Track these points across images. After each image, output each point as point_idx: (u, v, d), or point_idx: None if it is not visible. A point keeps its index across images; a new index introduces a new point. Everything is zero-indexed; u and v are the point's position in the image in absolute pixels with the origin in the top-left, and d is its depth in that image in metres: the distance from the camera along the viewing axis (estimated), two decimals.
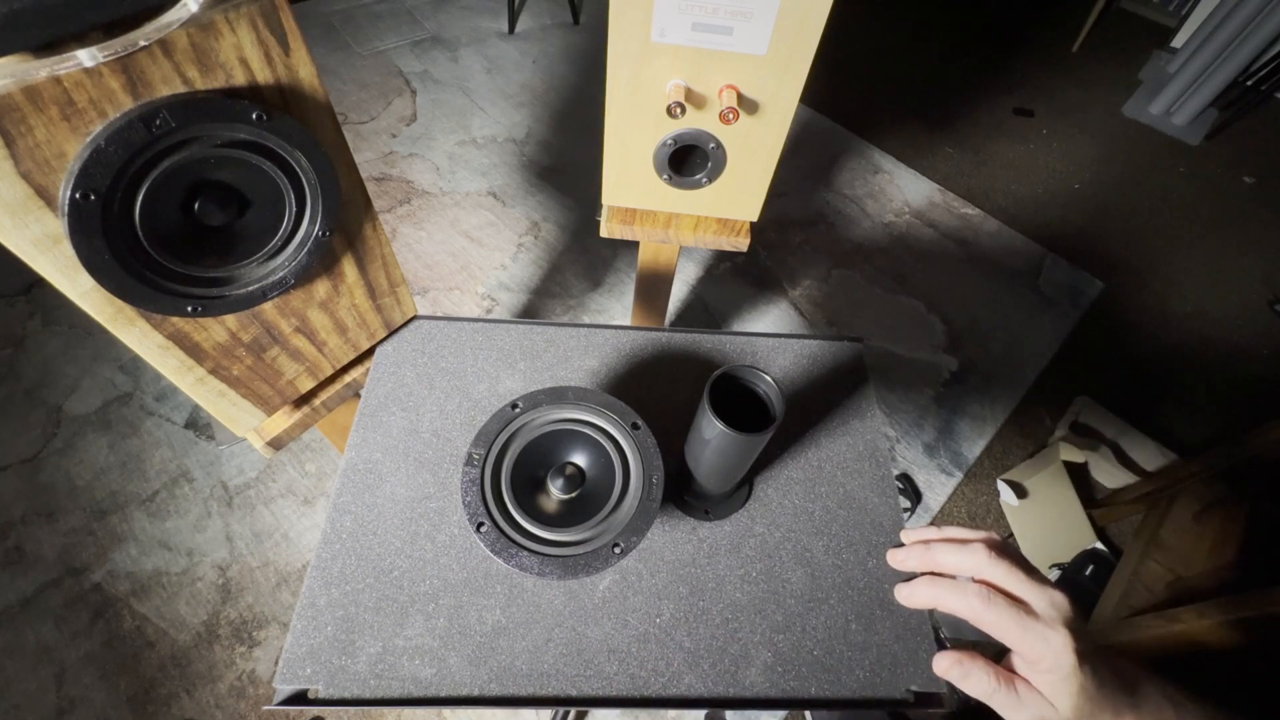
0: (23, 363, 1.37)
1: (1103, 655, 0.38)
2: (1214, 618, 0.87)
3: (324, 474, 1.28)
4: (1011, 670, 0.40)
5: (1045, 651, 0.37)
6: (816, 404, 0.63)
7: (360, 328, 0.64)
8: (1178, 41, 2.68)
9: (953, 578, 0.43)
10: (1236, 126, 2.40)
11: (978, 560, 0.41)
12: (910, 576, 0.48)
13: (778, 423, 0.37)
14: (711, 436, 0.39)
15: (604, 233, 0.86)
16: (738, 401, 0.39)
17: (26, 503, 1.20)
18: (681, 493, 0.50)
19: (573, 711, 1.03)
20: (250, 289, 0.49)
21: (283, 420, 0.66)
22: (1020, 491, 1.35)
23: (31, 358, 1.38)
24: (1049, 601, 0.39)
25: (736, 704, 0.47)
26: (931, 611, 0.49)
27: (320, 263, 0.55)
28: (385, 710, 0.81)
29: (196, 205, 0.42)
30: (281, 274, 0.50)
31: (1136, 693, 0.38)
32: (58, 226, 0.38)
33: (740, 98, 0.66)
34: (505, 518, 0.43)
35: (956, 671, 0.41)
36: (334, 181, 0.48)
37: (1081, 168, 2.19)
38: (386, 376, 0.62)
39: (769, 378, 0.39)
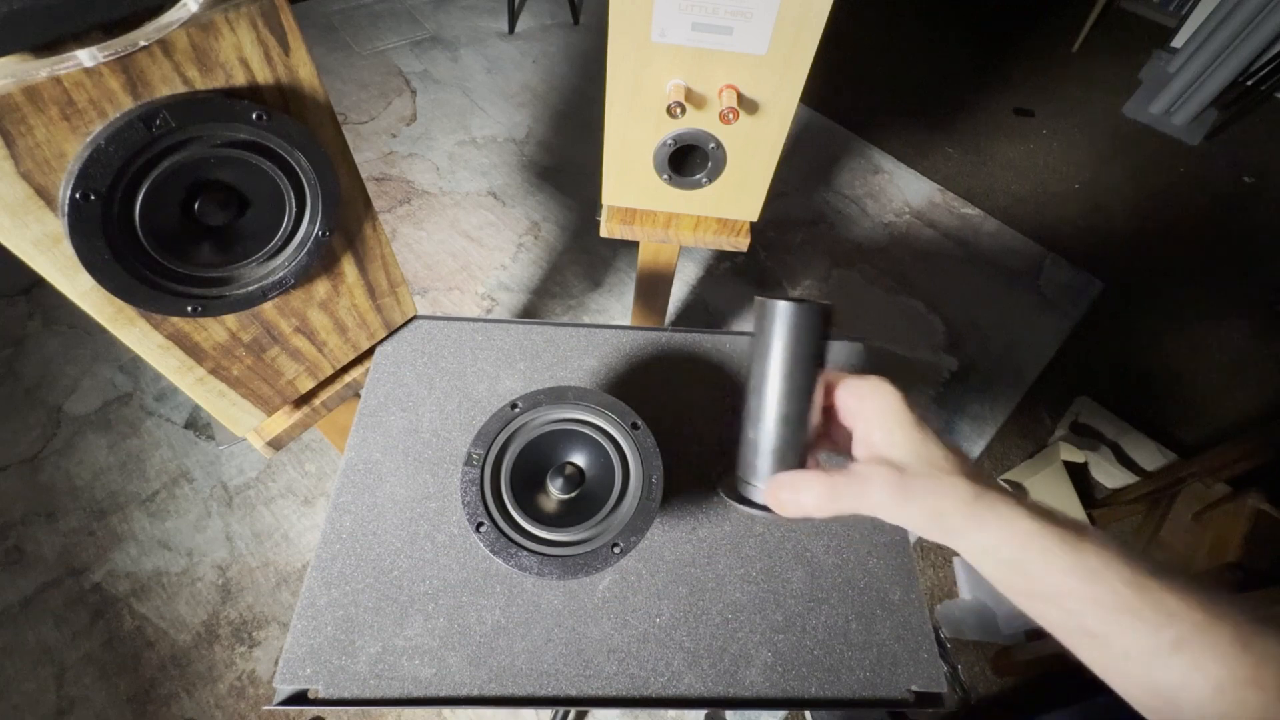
0: (23, 363, 1.37)
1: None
2: None
3: (324, 474, 1.28)
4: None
5: (865, 387, 0.34)
6: None
7: (360, 328, 0.64)
8: (1178, 41, 2.68)
9: None
10: (1236, 126, 2.40)
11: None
12: None
13: (832, 306, 0.34)
14: (774, 347, 0.34)
15: (604, 233, 0.86)
16: None
17: (26, 503, 1.19)
18: (740, 477, 0.39)
19: (573, 711, 1.03)
20: (250, 289, 0.49)
21: (283, 420, 0.66)
22: (1020, 492, 1.35)
23: (31, 358, 1.38)
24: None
25: (736, 704, 0.47)
26: (932, 610, 0.49)
27: (320, 263, 0.55)
28: (385, 710, 0.81)
29: (196, 205, 0.43)
30: (281, 274, 0.50)
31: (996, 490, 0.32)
32: (58, 226, 0.38)
33: (740, 98, 0.66)
34: (505, 518, 0.43)
35: (788, 498, 0.34)
36: (334, 181, 0.48)
37: (1081, 168, 2.19)
38: (386, 376, 0.62)
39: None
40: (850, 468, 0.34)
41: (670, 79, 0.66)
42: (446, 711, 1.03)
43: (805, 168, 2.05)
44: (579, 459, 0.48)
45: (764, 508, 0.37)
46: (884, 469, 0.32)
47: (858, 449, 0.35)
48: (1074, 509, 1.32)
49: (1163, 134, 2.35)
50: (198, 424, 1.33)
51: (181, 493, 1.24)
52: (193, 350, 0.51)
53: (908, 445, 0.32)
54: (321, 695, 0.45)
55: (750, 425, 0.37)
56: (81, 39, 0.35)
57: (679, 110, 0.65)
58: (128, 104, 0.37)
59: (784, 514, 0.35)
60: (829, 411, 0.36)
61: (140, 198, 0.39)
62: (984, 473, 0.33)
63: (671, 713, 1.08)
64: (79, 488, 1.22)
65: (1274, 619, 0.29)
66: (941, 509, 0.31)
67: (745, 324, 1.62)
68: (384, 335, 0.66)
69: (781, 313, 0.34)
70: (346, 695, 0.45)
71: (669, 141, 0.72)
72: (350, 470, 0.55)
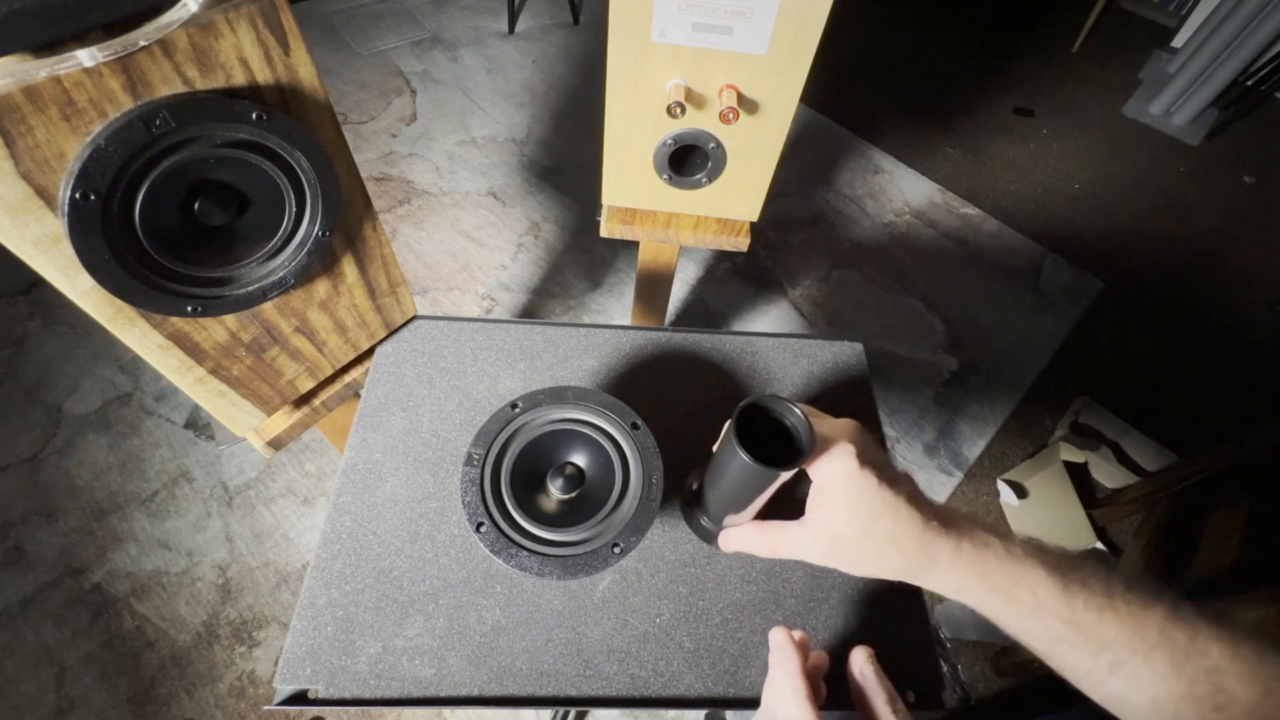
0: (23, 363, 1.37)
1: (915, 489, 0.37)
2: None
3: (324, 474, 1.28)
4: None
5: (823, 462, 0.36)
6: (816, 404, 0.63)
7: (360, 328, 0.64)
8: (1178, 41, 2.67)
9: None
10: (1236, 126, 2.40)
11: None
12: None
13: (804, 458, 0.36)
14: (734, 468, 0.38)
15: (604, 233, 0.86)
16: (765, 431, 0.37)
17: (26, 503, 1.19)
18: (697, 515, 0.49)
19: (573, 711, 1.03)
20: (250, 289, 0.49)
21: (283, 420, 0.66)
22: (1020, 491, 1.35)
23: (31, 358, 1.38)
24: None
25: (736, 704, 0.47)
26: (932, 611, 0.49)
27: (320, 263, 0.55)
28: (385, 710, 0.81)
29: (196, 205, 0.43)
30: (281, 274, 0.50)
31: (955, 522, 0.36)
32: (58, 226, 0.38)
33: (740, 98, 0.66)
34: (505, 518, 0.43)
35: (725, 541, 0.43)
36: (334, 181, 0.48)
37: (1081, 168, 2.19)
38: (386, 376, 0.62)
39: (799, 411, 0.37)
40: (787, 527, 0.39)
41: (670, 79, 0.66)
42: (446, 711, 1.03)
43: (805, 168, 2.04)
44: (579, 459, 0.48)
45: (710, 539, 0.46)
46: (819, 539, 0.37)
47: (810, 508, 0.38)
48: (1074, 509, 1.32)
49: (1163, 134, 2.35)
50: (198, 424, 1.33)
51: (181, 493, 1.24)
52: (193, 350, 0.51)
53: (850, 524, 0.36)
54: (321, 695, 0.45)
55: (711, 488, 0.45)
56: (81, 39, 0.35)
57: (679, 110, 0.65)
58: (128, 104, 0.37)
59: (725, 550, 0.44)
60: None
61: (140, 198, 0.39)
62: (942, 511, 0.37)
63: (671, 713, 1.08)
64: (79, 488, 1.22)
65: (1222, 624, 0.32)
66: (876, 575, 0.37)
67: (745, 324, 1.62)
68: (384, 335, 0.66)
69: (747, 467, 0.36)
70: (346, 695, 0.45)
71: (669, 141, 0.72)
72: (350, 470, 0.55)
